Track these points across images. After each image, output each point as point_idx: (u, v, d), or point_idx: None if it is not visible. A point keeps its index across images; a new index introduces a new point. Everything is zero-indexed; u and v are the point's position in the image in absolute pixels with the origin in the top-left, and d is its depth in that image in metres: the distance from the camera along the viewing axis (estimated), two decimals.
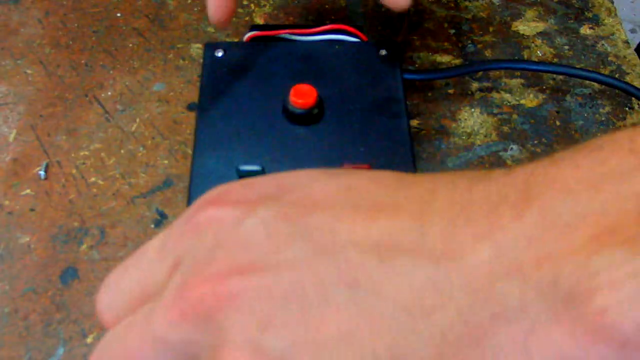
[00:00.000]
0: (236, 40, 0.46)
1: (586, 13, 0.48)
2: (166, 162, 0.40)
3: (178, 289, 0.19)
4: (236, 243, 0.20)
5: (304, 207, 0.20)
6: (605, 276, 0.15)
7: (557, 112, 0.43)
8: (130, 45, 0.47)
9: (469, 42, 0.46)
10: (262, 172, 0.29)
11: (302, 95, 0.33)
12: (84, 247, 0.37)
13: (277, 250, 0.19)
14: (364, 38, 0.39)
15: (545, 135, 0.42)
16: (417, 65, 0.45)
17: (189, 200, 0.32)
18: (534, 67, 0.42)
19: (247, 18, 0.48)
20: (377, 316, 0.17)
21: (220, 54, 0.37)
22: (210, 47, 0.38)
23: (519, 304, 0.16)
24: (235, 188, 0.21)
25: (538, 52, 0.46)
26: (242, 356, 0.18)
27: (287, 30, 0.38)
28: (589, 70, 0.42)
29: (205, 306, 0.19)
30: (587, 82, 0.44)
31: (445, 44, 0.46)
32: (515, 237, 0.17)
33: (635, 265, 0.15)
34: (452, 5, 0.48)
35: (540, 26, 0.47)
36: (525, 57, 0.45)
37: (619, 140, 0.18)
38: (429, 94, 0.43)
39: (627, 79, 0.44)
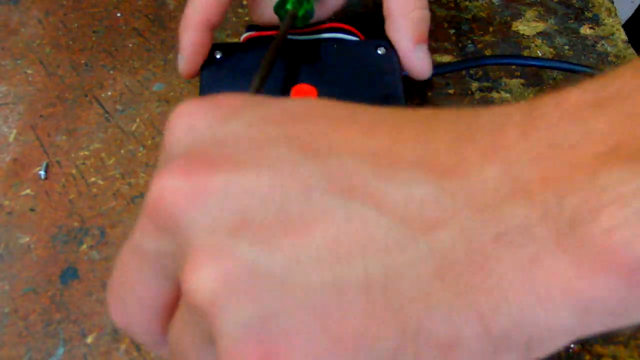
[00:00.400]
0: (235, 40, 0.46)
1: (586, 13, 0.48)
2: None
3: (148, 193, 0.17)
4: (213, 140, 0.17)
5: (296, 114, 0.18)
6: (612, 193, 0.15)
7: None
8: (130, 45, 0.47)
9: (469, 42, 0.46)
10: None
11: (302, 96, 0.33)
12: (84, 247, 0.37)
13: (258, 148, 0.17)
14: (362, 37, 0.39)
15: None
16: None
17: None
18: (531, 62, 0.42)
19: (246, 18, 0.48)
20: (371, 229, 0.15)
21: (219, 55, 0.37)
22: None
23: (524, 226, 0.15)
24: (223, 96, 0.19)
25: (538, 52, 0.46)
26: (207, 263, 0.16)
27: None
28: (585, 66, 0.42)
29: (171, 207, 0.16)
30: None
31: (445, 44, 0.46)
32: (521, 156, 0.16)
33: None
34: (452, 5, 0.48)
35: (540, 26, 0.47)
36: None
37: (623, 69, 0.17)
38: (429, 94, 0.43)
39: None
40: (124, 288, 0.19)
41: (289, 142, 0.17)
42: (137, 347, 0.33)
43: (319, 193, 0.16)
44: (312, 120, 0.18)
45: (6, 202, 0.38)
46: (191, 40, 0.36)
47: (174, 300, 0.19)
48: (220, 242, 0.16)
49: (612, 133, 0.15)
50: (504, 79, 0.44)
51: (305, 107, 0.18)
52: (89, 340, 0.33)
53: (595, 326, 0.16)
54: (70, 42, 0.47)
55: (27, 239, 0.37)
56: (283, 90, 0.35)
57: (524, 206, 0.15)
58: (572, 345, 0.33)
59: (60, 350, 0.33)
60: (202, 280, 0.16)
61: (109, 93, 0.44)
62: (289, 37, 0.38)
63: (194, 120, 0.18)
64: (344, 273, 0.15)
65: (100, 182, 0.39)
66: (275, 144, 0.17)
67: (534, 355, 0.16)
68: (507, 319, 0.15)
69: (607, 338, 0.34)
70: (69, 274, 0.36)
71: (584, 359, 0.33)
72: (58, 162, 0.40)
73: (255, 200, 0.16)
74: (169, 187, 0.17)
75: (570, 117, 0.16)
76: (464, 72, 0.44)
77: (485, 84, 0.44)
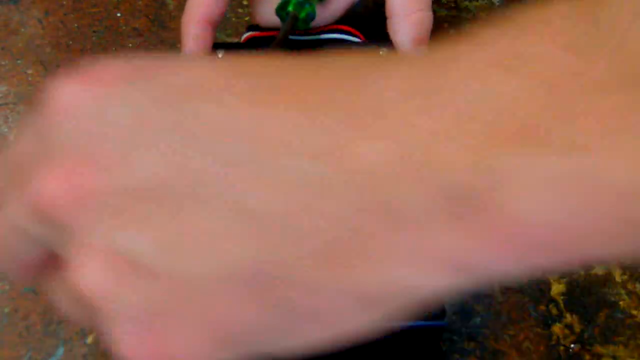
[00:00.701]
0: (236, 40, 0.46)
1: None
2: None
3: (29, 185, 0.17)
4: (94, 131, 0.17)
5: (181, 91, 0.17)
6: (508, 176, 0.14)
7: None
8: (130, 45, 0.47)
9: None
10: None
11: None
12: None
13: (139, 141, 0.16)
14: (363, 38, 0.39)
15: None
16: None
17: None
18: None
19: (246, 18, 0.48)
20: (246, 218, 0.15)
21: (220, 55, 0.37)
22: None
23: (412, 208, 0.15)
24: (104, 68, 0.18)
25: None
26: (91, 261, 0.16)
27: None
28: None
29: (52, 209, 0.17)
30: None
31: None
32: (411, 133, 0.15)
33: (536, 165, 0.14)
34: (452, 5, 0.48)
35: None
36: None
37: (529, 20, 0.16)
38: None
39: None
40: None
41: (172, 131, 0.16)
42: None
43: (199, 185, 0.16)
44: (199, 99, 0.17)
45: None
46: (194, 34, 0.36)
47: (44, 262, 0.19)
48: (103, 240, 0.16)
49: (516, 108, 0.15)
50: None
51: (190, 79, 0.17)
52: (89, 340, 0.33)
53: (475, 284, 0.16)
54: (70, 42, 0.47)
55: None
56: None
57: (413, 188, 0.15)
58: (572, 345, 0.33)
59: (60, 350, 0.33)
60: (87, 276, 0.16)
61: None
62: (291, 38, 0.38)
63: (74, 101, 0.18)
64: (220, 265, 0.16)
65: None
66: (157, 132, 0.16)
67: (402, 314, 0.17)
68: (383, 288, 0.16)
69: (607, 338, 0.34)
70: None
71: (584, 359, 0.33)
72: None
73: (136, 197, 0.16)
74: (50, 189, 0.17)
75: (471, 79, 0.15)
76: None
77: None
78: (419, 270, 0.16)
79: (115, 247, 0.16)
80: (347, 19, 0.42)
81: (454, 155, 0.15)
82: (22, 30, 0.48)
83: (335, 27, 0.39)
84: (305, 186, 0.15)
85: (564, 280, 0.36)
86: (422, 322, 0.27)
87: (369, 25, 0.41)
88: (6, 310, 0.34)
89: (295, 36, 0.39)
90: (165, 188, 0.16)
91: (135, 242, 0.16)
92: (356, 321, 0.17)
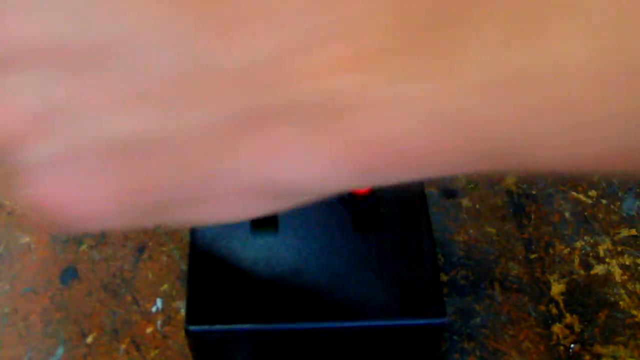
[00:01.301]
0: None
1: None
2: None
3: None
4: None
5: None
6: (356, 95, 0.16)
7: None
8: None
9: None
10: None
11: None
12: (84, 247, 0.37)
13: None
14: None
15: None
16: None
17: None
18: None
19: None
20: (141, 88, 0.16)
21: None
22: None
23: (276, 110, 0.16)
24: None
25: None
26: (12, 102, 0.17)
27: None
28: None
29: None
30: None
31: None
32: (280, 45, 0.16)
33: (382, 85, 0.15)
34: None
35: None
36: None
37: None
38: None
39: None
40: None
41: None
42: (137, 347, 0.33)
43: (105, 52, 0.16)
44: None
45: (6, 202, 0.38)
46: None
47: None
48: (25, 82, 0.16)
49: (363, 30, 0.15)
50: None
51: None
52: (89, 340, 0.33)
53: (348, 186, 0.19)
54: None
55: (27, 239, 0.37)
56: None
57: (277, 94, 0.16)
58: (572, 345, 0.33)
59: (60, 350, 0.33)
60: (6, 117, 0.17)
61: None
62: None
63: None
64: (126, 122, 0.16)
65: None
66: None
67: (285, 204, 0.19)
68: (258, 179, 0.18)
69: (607, 338, 0.34)
70: (69, 274, 0.36)
71: (584, 359, 0.33)
72: None
73: (46, 56, 0.16)
74: None
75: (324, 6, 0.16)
76: None
77: None
78: (285, 165, 0.17)
79: (37, 90, 0.16)
80: None
81: (313, 70, 0.16)
82: None
83: None
84: (196, 76, 0.16)
85: (564, 280, 0.36)
86: (421, 321, 0.27)
87: None
88: (6, 310, 0.34)
89: None
90: (70, 48, 0.16)
91: (55, 86, 0.16)
92: (236, 209, 0.19)
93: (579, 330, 0.34)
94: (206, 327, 0.26)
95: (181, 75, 0.16)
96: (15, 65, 0.17)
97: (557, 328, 0.34)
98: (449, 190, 0.39)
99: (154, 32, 0.16)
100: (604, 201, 0.39)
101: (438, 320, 0.27)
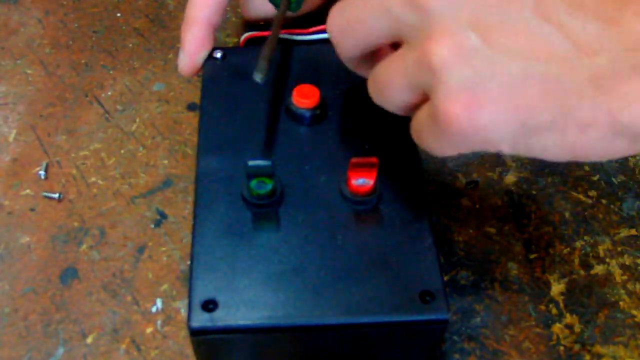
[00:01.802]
0: (235, 40, 0.46)
1: None
2: (166, 162, 0.40)
3: None
4: None
5: None
6: None
7: None
8: (130, 45, 0.47)
9: None
10: (271, 166, 0.29)
11: (305, 96, 0.33)
12: (84, 247, 0.37)
13: None
14: None
15: None
16: None
17: (196, 201, 0.32)
18: None
19: None
20: (554, 45, 0.23)
21: (219, 54, 0.37)
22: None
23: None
24: None
25: None
26: (448, 38, 0.24)
27: (284, 30, 0.38)
28: None
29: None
30: None
31: None
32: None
33: None
34: None
35: None
36: None
37: None
38: None
39: None
40: (352, 15, 0.28)
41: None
42: (137, 347, 0.33)
43: (528, 13, 0.23)
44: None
45: (6, 202, 0.38)
46: (194, 35, 0.36)
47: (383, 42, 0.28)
48: (460, 28, 0.24)
49: None
50: None
51: None
52: (89, 340, 0.33)
53: None
54: (70, 42, 0.47)
55: (27, 239, 0.37)
56: (285, 90, 0.35)
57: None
58: (572, 346, 0.33)
59: (60, 350, 0.33)
60: (441, 47, 0.24)
61: (109, 93, 0.44)
62: (291, 37, 0.38)
63: None
64: (530, 67, 0.23)
65: (100, 182, 0.39)
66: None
67: (637, 148, 0.24)
68: (628, 116, 0.23)
69: (607, 338, 0.34)
70: (69, 274, 0.36)
71: (584, 359, 0.33)
72: (58, 162, 0.40)
73: (486, 8, 0.24)
74: None
75: None
76: None
77: None
78: None
79: (465, 34, 0.24)
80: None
81: None
82: (22, 30, 0.48)
83: None
84: (597, 38, 0.23)
85: (564, 280, 0.36)
86: (422, 317, 0.27)
87: None
88: (6, 310, 0.34)
89: (296, 36, 0.39)
90: (505, 7, 0.24)
91: (479, 37, 0.23)
92: (602, 144, 0.24)
93: (579, 330, 0.34)
94: (209, 325, 0.26)
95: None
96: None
97: (557, 328, 0.34)
98: (449, 189, 0.39)
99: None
100: (604, 201, 0.39)
101: (441, 316, 0.27)
